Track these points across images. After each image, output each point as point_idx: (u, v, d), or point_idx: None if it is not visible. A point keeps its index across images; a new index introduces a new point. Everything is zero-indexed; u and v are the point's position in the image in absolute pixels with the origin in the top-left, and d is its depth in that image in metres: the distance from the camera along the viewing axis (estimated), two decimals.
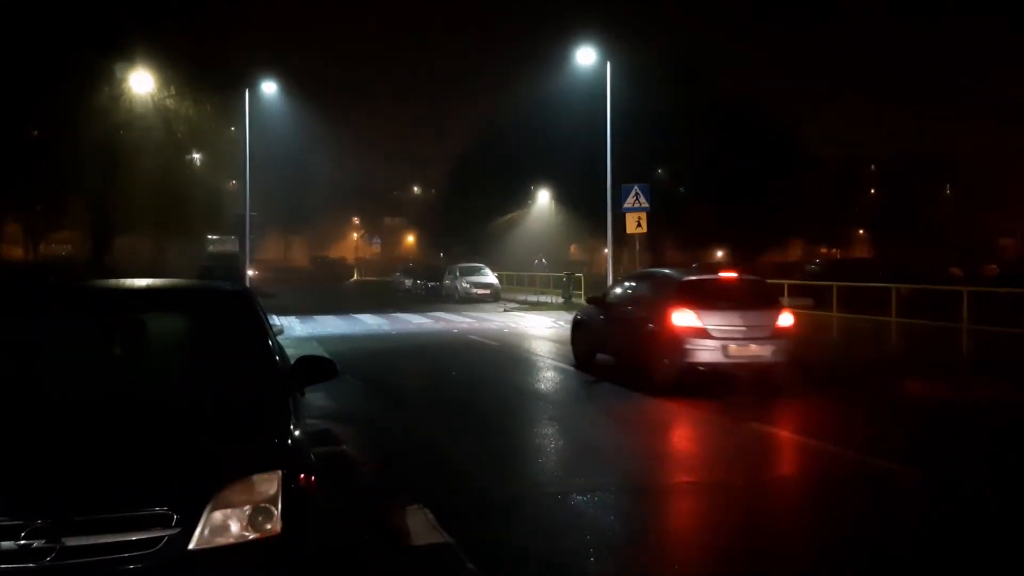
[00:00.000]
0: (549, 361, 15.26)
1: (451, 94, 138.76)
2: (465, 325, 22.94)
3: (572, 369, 13.99)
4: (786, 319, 11.59)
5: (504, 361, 15.84)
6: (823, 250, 67.87)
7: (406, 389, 12.67)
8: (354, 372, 12.93)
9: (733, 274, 12.75)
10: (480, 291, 35.57)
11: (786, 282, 22.41)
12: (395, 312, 27.78)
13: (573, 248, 58.77)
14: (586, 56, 25.03)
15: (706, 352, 11.14)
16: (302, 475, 4.00)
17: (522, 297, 35.44)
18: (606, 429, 9.75)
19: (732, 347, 11.16)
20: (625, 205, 22.25)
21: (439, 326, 22.80)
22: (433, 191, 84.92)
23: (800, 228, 51.73)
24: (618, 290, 14.17)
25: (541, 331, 21.25)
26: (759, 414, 9.82)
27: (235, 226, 33.67)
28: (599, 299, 14.49)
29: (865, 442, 8.41)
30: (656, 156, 39.44)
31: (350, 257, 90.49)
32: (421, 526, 5.84)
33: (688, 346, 11.13)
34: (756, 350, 11.27)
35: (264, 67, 34.23)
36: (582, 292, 31.10)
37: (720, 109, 39.88)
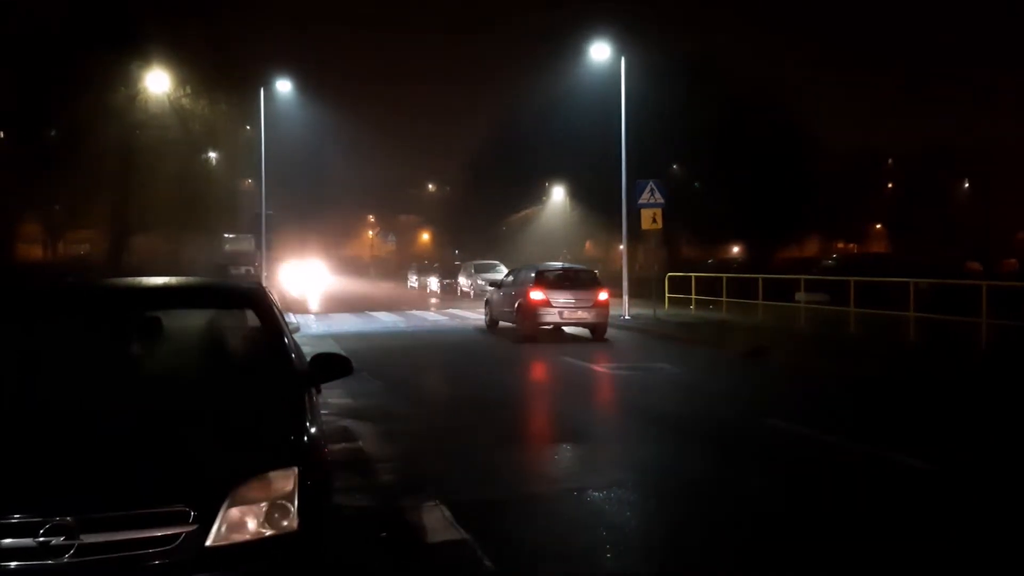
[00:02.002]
0: (564, 357, 15.25)
1: (466, 91, 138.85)
2: (480, 322, 22.91)
3: (584, 364, 14.01)
4: (603, 296, 18.23)
5: (518, 357, 15.84)
6: (840, 245, 67.50)
7: (422, 386, 12.69)
8: (370, 369, 12.97)
9: (571, 266, 20.59)
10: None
11: (802, 277, 22.30)
12: (410, 309, 27.80)
13: (588, 244, 58.63)
14: (600, 51, 24.88)
15: (549, 316, 17.96)
16: (318, 472, 4.02)
17: None
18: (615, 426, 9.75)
19: (566, 313, 18.01)
20: (640, 201, 22.10)
21: (454, 323, 22.81)
22: (448, 188, 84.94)
23: (817, 223, 51.43)
24: (507, 279, 20.68)
25: None
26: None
27: (251, 224, 33.76)
28: (498, 284, 21.27)
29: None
30: (671, 151, 39.22)
31: (365, 255, 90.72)
32: (438, 523, 5.85)
33: (539, 312, 17.90)
34: (581, 315, 18.09)
35: (279, 66, 34.35)
36: None
37: (736, 103, 39.61)
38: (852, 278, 18.69)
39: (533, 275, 18.66)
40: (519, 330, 18.47)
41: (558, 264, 20.61)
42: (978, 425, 9.39)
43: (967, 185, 70.59)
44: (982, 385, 11.52)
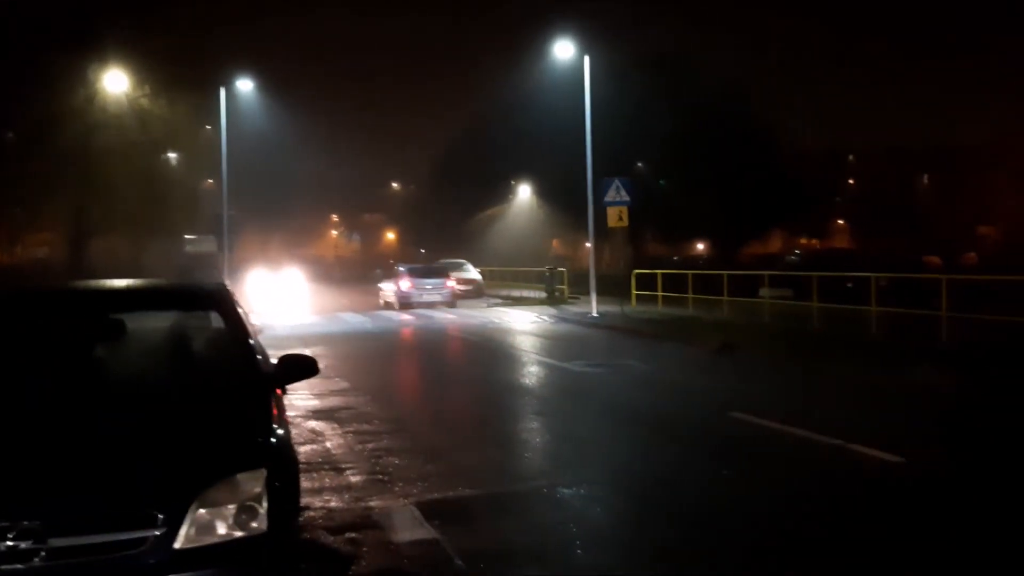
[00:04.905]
0: (533, 356, 15.29)
1: (431, 90, 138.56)
2: (447, 321, 22.91)
3: (553, 361, 14.06)
4: (450, 283, 28.65)
5: (487, 355, 15.85)
6: (803, 241, 68.25)
7: (388, 384, 12.65)
8: (336, 370, 12.90)
9: (431, 265, 31.31)
10: (462, 287, 35.48)
11: (767, 273, 22.54)
12: (377, 310, 27.74)
13: (555, 243, 58.79)
14: (564, 50, 24.93)
15: (413, 297, 27.37)
16: (286, 473, 4.00)
17: (505, 292, 35.41)
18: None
19: (424, 296, 27.51)
20: (606, 199, 22.19)
21: (421, 323, 22.78)
22: (413, 187, 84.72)
23: (780, 219, 51.93)
24: (398, 271, 29.47)
25: (523, 326, 21.26)
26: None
27: (213, 225, 33.33)
28: (388, 277, 30.28)
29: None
30: (636, 149, 39.43)
31: (329, 255, 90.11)
32: (407, 522, 5.83)
33: (408, 295, 27.42)
34: (436, 296, 27.77)
35: (240, 65, 34.00)
36: (565, 287, 31.07)
37: (700, 102, 39.92)
38: (815, 274, 18.90)
39: (405, 271, 28.66)
40: (398, 307, 27.48)
41: (420, 266, 31.14)
42: (941, 417, 9.55)
43: (927, 181, 71.69)
44: (943, 377, 11.70)
